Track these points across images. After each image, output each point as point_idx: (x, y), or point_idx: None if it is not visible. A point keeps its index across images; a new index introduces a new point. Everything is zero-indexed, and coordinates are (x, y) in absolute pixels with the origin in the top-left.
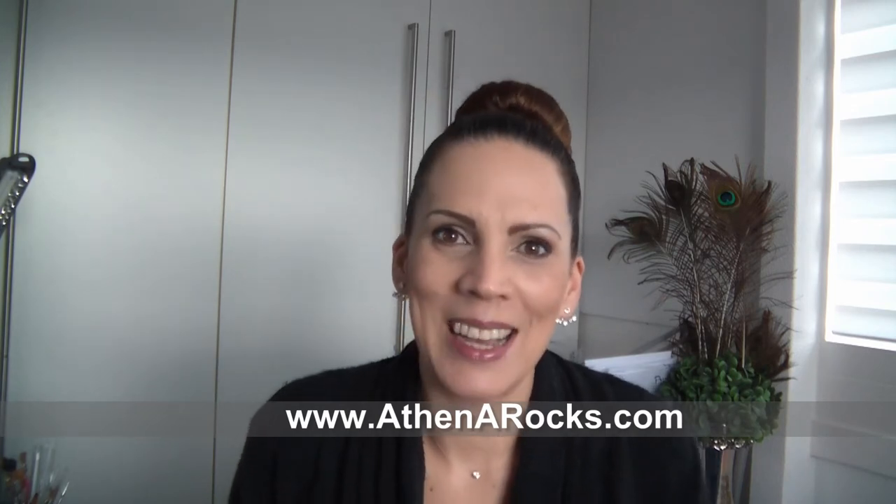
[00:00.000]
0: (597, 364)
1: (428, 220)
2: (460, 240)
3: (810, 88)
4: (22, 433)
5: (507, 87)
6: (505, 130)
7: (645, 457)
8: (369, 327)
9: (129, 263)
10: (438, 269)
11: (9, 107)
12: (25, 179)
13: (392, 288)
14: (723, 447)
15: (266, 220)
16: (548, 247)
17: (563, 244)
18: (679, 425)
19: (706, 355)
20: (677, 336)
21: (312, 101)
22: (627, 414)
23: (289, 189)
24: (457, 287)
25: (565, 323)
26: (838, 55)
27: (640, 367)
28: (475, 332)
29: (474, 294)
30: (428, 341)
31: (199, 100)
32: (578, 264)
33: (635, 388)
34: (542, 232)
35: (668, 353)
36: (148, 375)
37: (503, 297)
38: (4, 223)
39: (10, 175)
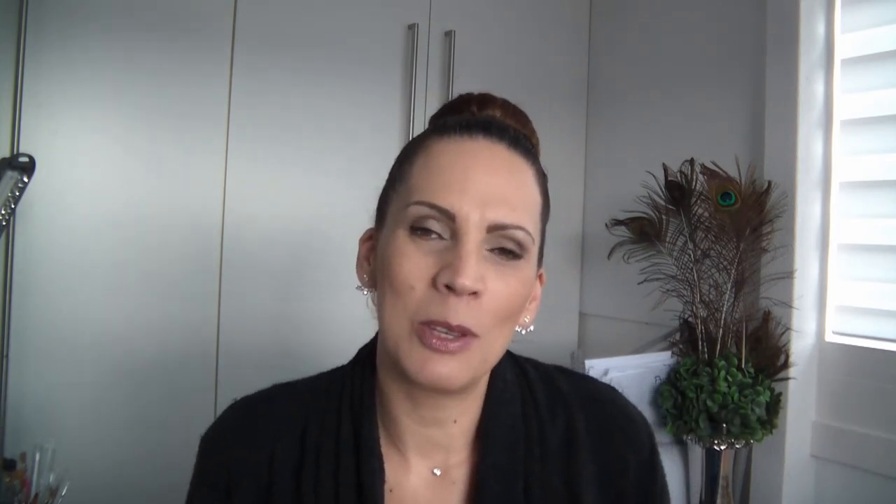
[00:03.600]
0: (597, 364)
1: (406, 211)
2: (435, 235)
3: (810, 88)
4: (22, 433)
5: (484, 99)
6: (489, 132)
7: (603, 445)
8: (370, 325)
9: (130, 263)
10: (415, 262)
11: (9, 107)
12: (25, 179)
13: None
14: (723, 447)
15: (266, 220)
16: (520, 251)
17: (533, 253)
18: (630, 412)
19: (706, 355)
20: (677, 336)
21: (312, 101)
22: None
23: (289, 188)
24: (433, 283)
25: (523, 332)
26: (838, 55)
27: (640, 367)
28: (442, 332)
29: (449, 289)
30: (396, 334)
31: (199, 100)
32: (541, 276)
33: (586, 377)
34: (518, 234)
35: (668, 353)
36: (148, 375)
37: (474, 294)
38: (4, 223)
39: (10, 175)
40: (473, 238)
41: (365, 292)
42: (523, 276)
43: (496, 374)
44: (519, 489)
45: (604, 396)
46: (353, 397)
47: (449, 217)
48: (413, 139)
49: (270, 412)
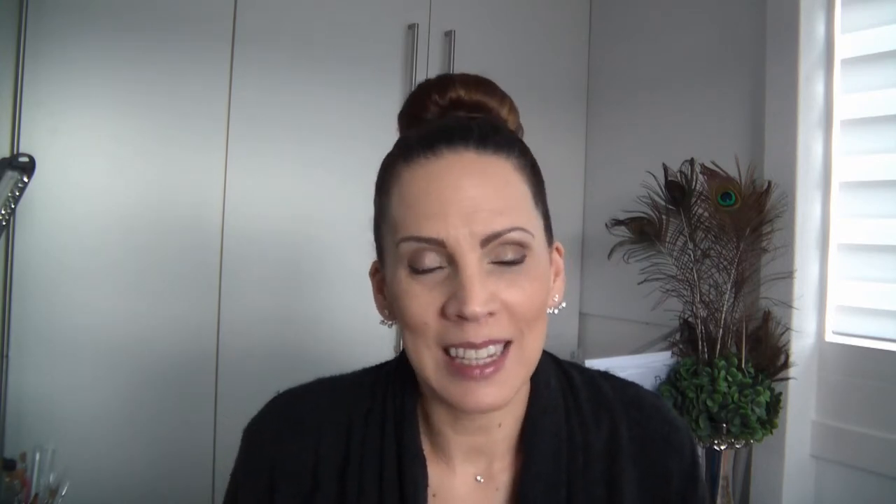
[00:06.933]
0: (597, 364)
1: (399, 249)
2: (436, 265)
3: (810, 88)
4: (22, 433)
5: (443, 82)
6: (453, 143)
7: (645, 453)
8: (370, 326)
9: (130, 263)
10: (422, 300)
11: (9, 107)
12: (25, 179)
13: (378, 316)
14: (723, 447)
15: (266, 220)
16: (523, 250)
17: (538, 242)
18: (674, 419)
19: (706, 355)
20: (677, 336)
21: (312, 101)
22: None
23: (289, 188)
24: (443, 313)
25: (556, 311)
26: (838, 55)
27: (640, 367)
28: (471, 353)
29: (461, 318)
30: (426, 369)
31: (199, 99)
32: (557, 249)
33: (630, 383)
34: (515, 236)
35: (668, 353)
36: (148, 375)
37: (490, 314)
38: (4, 223)
39: (10, 175)
40: (471, 259)
41: (389, 325)
42: (535, 274)
43: (539, 379)
44: (562, 497)
45: (647, 403)
46: (395, 403)
47: (439, 245)
48: (384, 163)
49: (315, 409)
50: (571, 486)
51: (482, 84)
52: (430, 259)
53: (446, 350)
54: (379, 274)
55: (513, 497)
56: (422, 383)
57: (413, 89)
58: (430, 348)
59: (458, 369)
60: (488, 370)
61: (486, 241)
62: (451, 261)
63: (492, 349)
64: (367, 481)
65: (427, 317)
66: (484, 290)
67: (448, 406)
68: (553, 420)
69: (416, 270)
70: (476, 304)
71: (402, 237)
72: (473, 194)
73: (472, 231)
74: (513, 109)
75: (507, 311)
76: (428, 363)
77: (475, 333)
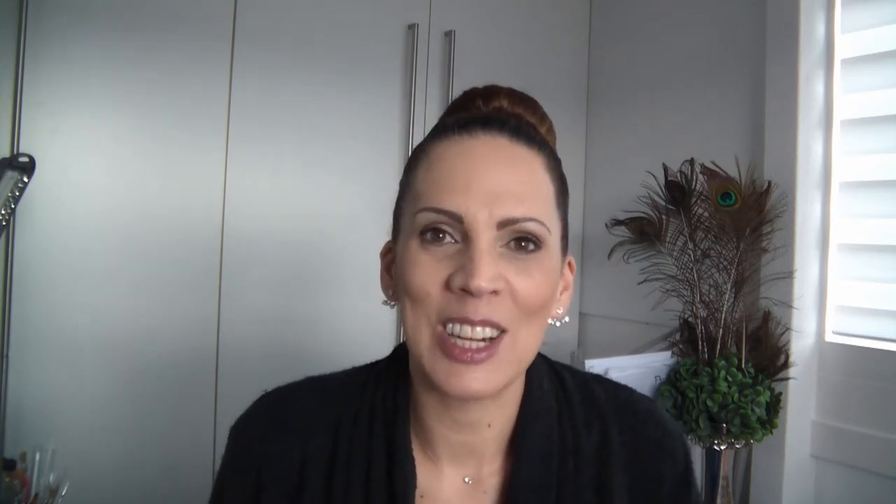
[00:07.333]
0: (597, 364)
1: (415, 219)
2: (448, 239)
3: (810, 88)
4: (22, 433)
5: (489, 91)
6: (489, 127)
7: (637, 458)
8: (370, 326)
9: (130, 263)
10: (428, 269)
11: (9, 107)
12: (25, 179)
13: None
14: (723, 447)
15: (266, 220)
16: (538, 242)
17: (553, 240)
18: (667, 424)
19: (706, 355)
20: (677, 336)
21: (312, 100)
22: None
23: (288, 188)
24: (447, 285)
25: (558, 323)
26: (838, 55)
27: (640, 367)
28: (467, 330)
29: (465, 291)
30: (420, 344)
31: (199, 99)
32: (570, 264)
33: (623, 387)
34: (531, 226)
35: (668, 353)
36: (148, 375)
37: (494, 292)
38: (4, 223)
39: (10, 175)
40: (485, 237)
41: (392, 305)
42: (546, 267)
43: (532, 380)
44: (551, 501)
45: (640, 407)
46: (385, 400)
47: (457, 219)
48: (416, 146)
49: (303, 408)
50: (561, 490)
51: (526, 100)
52: (444, 229)
53: (443, 325)
54: (390, 255)
55: (501, 500)
56: (413, 368)
57: (459, 94)
58: (430, 322)
59: (451, 350)
60: (479, 355)
61: (503, 224)
62: (465, 237)
63: (487, 331)
64: (355, 481)
65: (430, 287)
66: (492, 268)
67: (437, 395)
68: (545, 423)
69: (428, 238)
70: (483, 278)
71: (421, 207)
72: (500, 177)
73: (491, 212)
74: (551, 131)
75: (511, 296)
76: (423, 338)
77: (475, 310)
